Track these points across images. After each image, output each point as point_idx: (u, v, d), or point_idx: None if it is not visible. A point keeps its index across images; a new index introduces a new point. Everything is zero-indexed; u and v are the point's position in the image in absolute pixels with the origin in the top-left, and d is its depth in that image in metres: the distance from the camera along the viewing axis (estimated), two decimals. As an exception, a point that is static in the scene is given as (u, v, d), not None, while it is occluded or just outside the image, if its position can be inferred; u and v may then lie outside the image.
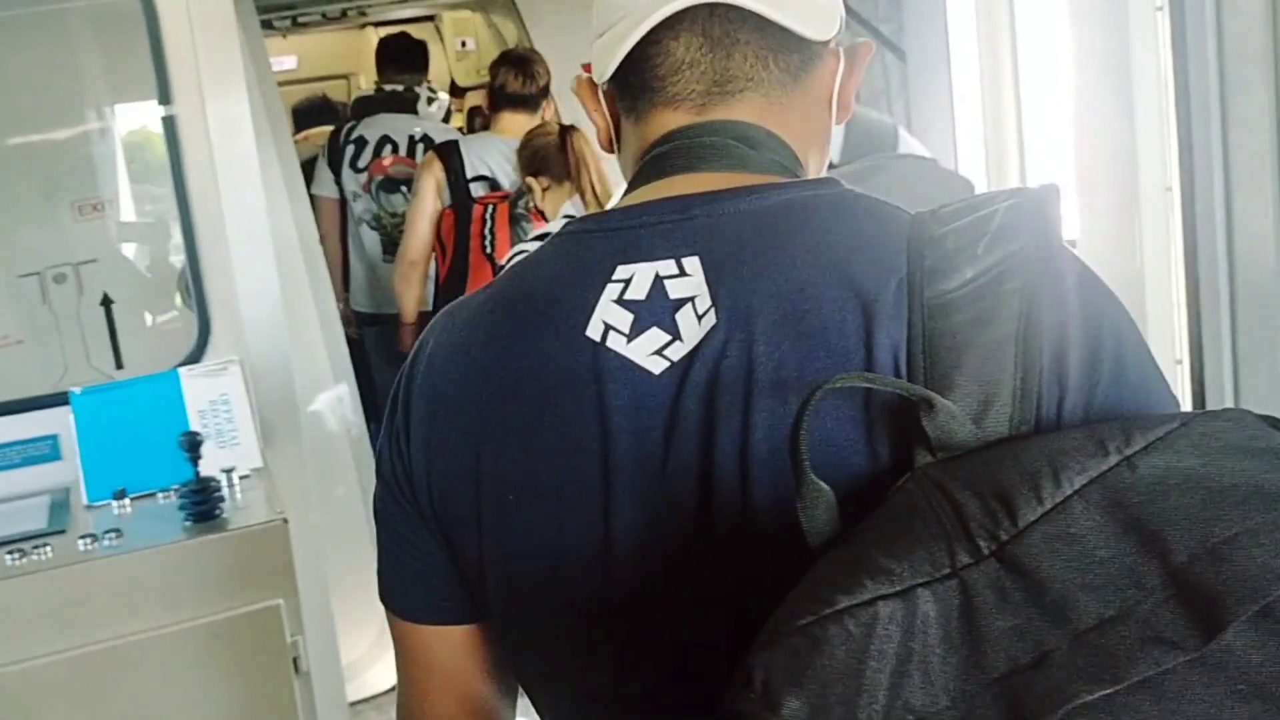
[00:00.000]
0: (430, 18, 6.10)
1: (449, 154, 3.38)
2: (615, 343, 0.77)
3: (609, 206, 1.11)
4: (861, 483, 0.70)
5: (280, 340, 2.23)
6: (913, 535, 0.63)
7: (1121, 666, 0.56)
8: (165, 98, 2.10)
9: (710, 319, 0.75)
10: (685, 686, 0.76)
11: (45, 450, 2.09)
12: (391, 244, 3.68)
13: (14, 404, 2.13)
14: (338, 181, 3.87)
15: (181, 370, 2.14)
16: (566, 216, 2.83)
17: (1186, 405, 1.85)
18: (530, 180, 3.02)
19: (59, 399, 2.08)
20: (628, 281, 0.78)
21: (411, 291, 3.42)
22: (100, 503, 1.98)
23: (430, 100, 4.11)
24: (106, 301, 2.88)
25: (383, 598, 0.91)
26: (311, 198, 3.91)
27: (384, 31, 6.75)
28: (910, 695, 0.58)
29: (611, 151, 0.91)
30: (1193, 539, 0.59)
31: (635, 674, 0.78)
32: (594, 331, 0.77)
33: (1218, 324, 1.69)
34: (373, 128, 3.86)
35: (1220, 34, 1.57)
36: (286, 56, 7.14)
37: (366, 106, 3.98)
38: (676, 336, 0.76)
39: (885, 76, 3.40)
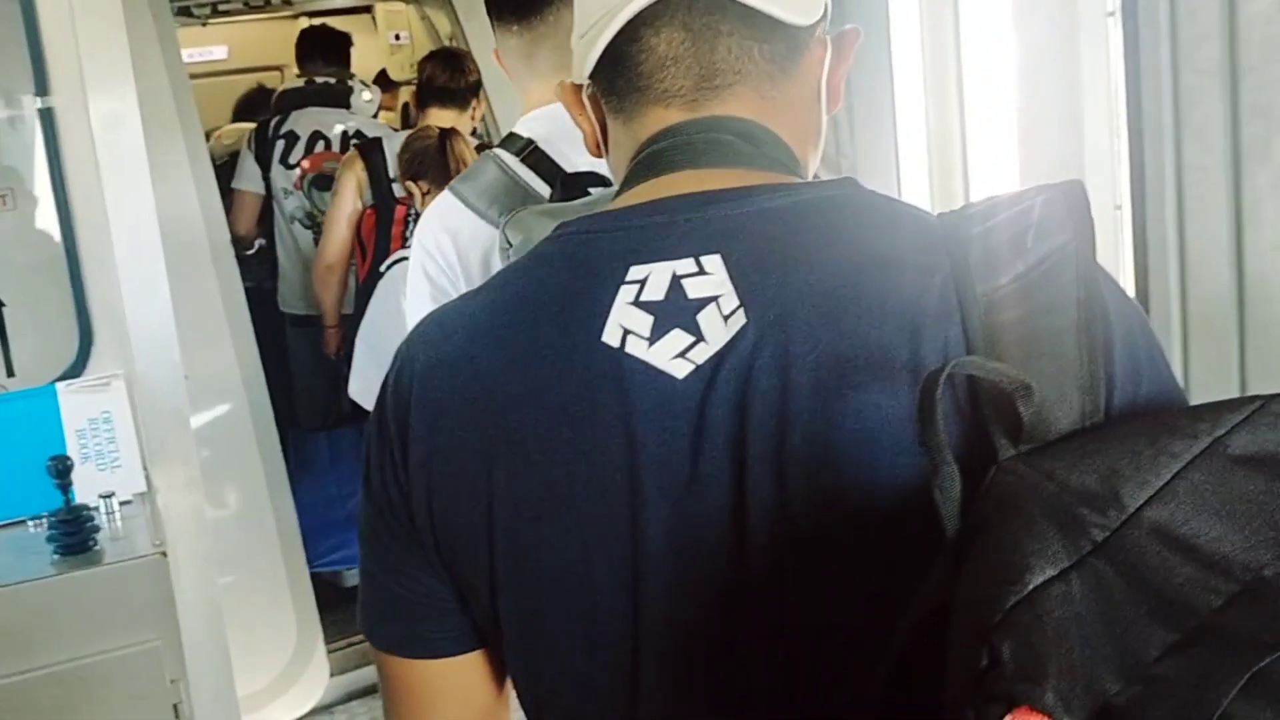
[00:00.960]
0: (366, 9, 5.91)
1: (371, 152, 3.25)
2: (635, 347, 0.74)
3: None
4: (913, 475, 0.68)
5: (170, 352, 2.05)
6: (1037, 524, 0.61)
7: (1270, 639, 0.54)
8: (42, 89, 1.92)
9: (739, 319, 0.73)
10: (726, 691, 0.74)
11: (-98, 475, 1.90)
12: None
13: None
14: (265, 177, 3.70)
15: (60, 385, 1.96)
16: None
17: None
18: (410, 184, 2.91)
19: (-81, 417, 1.90)
20: (643, 282, 0.75)
21: (330, 294, 3.29)
22: (-39, 532, 1.80)
23: (363, 93, 3.95)
24: (-3, 304, 2.69)
25: (365, 630, 0.87)
26: (233, 193, 3.73)
27: (329, 22, 6.56)
28: (1106, 663, 0.56)
29: (600, 155, 0.89)
30: None
31: (669, 689, 0.75)
32: (611, 337, 0.74)
33: (1169, 347, 1.60)
34: (303, 122, 3.70)
35: (1175, 42, 1.47)
36: (217, 46, 6.88)
37: (294, 99, 3.79)
38: (700, 338, 0.73)
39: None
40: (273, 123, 3.67)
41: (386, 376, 0.83)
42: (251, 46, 6.63)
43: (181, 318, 2.99)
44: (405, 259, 2.61)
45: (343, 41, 4.04)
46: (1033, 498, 0.62)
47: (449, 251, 1.60)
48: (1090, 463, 0.63)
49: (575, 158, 1.51)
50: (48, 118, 1.94)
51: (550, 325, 0.77)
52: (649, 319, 0.74)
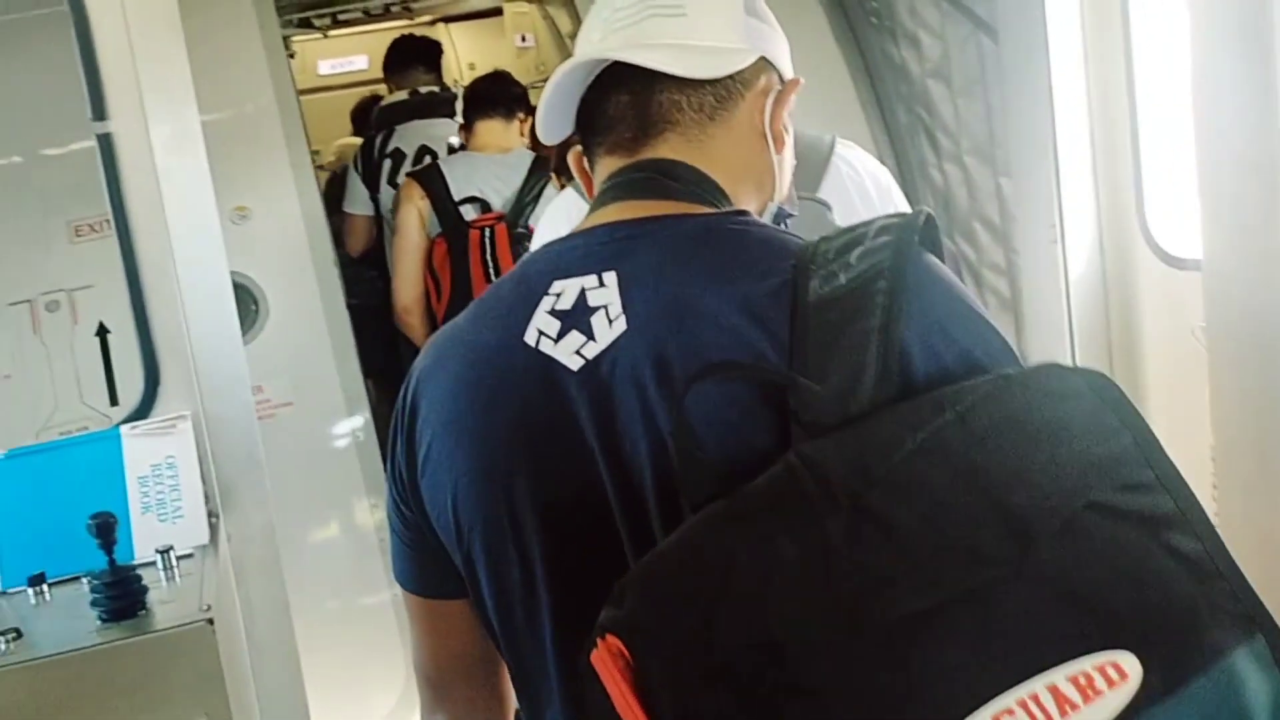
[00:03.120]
0: (497, 11, 5.81)
1: (430, 179, 3.06)
2: (545, 345, 0.94)
3: None
4: (747, 456, 0.84)
5: (241, 391, 1.92)
6: (781, 497, 0.79)
7: (946, 583, 0.72)
8: (100, 112, 1.80)
9: (621, 324, 0.92)
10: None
11: (-34, 522, 1.82)
12: None
13: (-67, 469, 1.87)
14: (374, 198, 3.57)
15: (124, 429, 1.85)
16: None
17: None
18: (554, 175, 2.73)
19: (-15, 462, 1.81)
20: (560, 294, 0.95)
21: (416, 334, 3.11)
22: (16, 589, 1.70)
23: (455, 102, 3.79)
24: (103, 331, 2.62)
25: (395, 573, 1.11)
26: (345, 216, 3.63)
27: (456, 27, 6.52)
28: (768, 622, 0.74)
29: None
30: (1007, 472, 0.76)
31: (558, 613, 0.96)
32: (530, 337, 0.94)
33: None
34: (408, 137, 3.54)
35: None
36: (357, 56, 6.92)
37: (397, 114, 3.65)
38: (591, 338, 0.92)
39: (980, 62, 2.95)
40: (377, 140, 3.53)
41: (407, 375, 1.03)
42: (393, 54, 6.64)
43: (282, 337, 2.92)
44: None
45: (436, 49, 3.90)
46: (785, 480, 0.79)
47: None
48: (853, 444, 0.79)
49: None
50: (106, 143, 1.82)
51: (491, 329, 0.97)
52: (557, 323, 0.94)
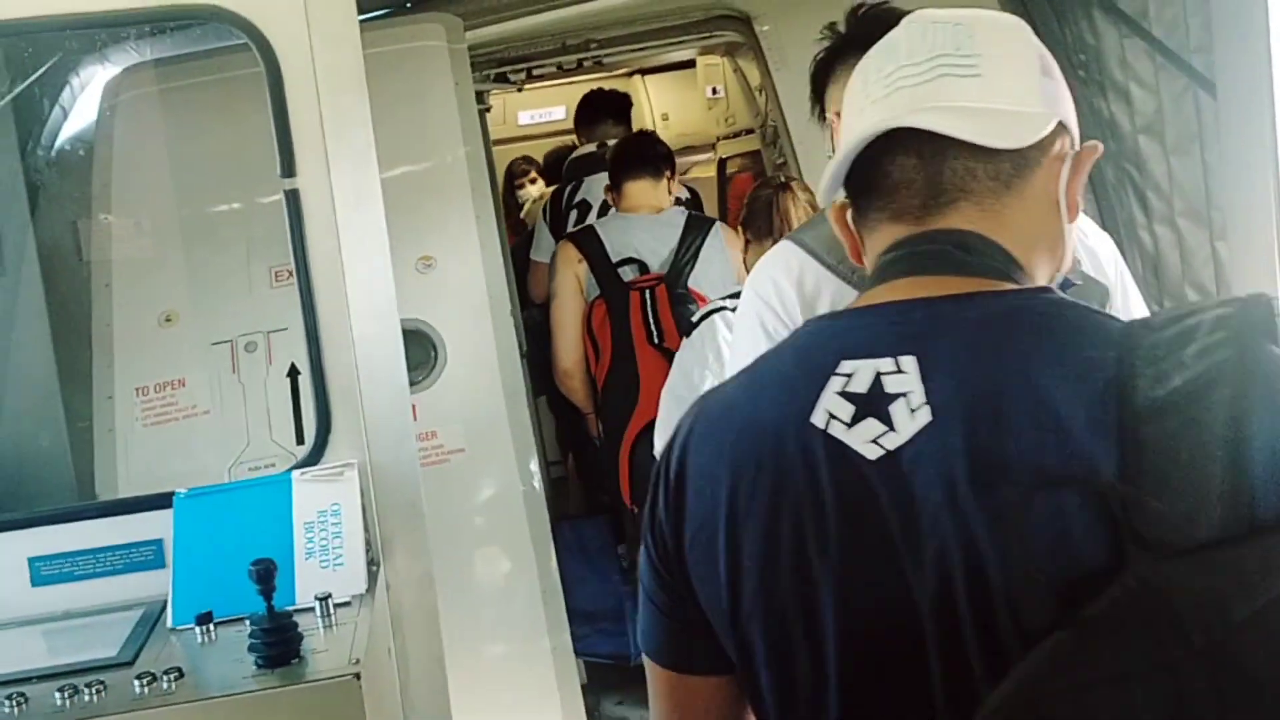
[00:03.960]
0: (690, 64, 5.86)
1: (586, 241, 3.05)
2: (836, 430, 0.88)
3: None
4: (1075, 574, 0.79)
5: (406, 441, 1.95)
6: (1128, 630, 0.73)
7: None
8: (289, 169, 1.88)
9: (925, 415, 0.85)
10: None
11: (149, 556, 1.90)
12: None
13: (123, 504, 1.98)
14: None
15: (295, 474, 1.90)
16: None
17: None
18: (740, 228, 2.70)
19: (166, 500, 1.89)
20: (850, 375, 0.89)
21: (577, 396, 3.14)
22: (185, 626, 1.76)
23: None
24: (293, 372, 2.74)
25: (640, 641, 1.06)
26: (531, 263, 3.71)
27: (650, 79, 6.63)
28: None
29: (860, 264, 1.02)
30: None
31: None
32: (818, 419, 0.89)
33: None
34: (594, 189, 3.60)
35: None
36: (555, 107, 7.14)
37: (585, 166, 3.72)
38: (891, 427, 0.86)
39: (1197, 118, 2.74)
40: (566, 191, 3.60)
41: (670, 439, 1.00)
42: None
43: (458, 384, 2.97)
44: (720, 309, 2.44)
45: (625, 102, 3.93)
46: (1131, 608, 0.72)
47: (792, 303, 1.52)
48: (1207, 576, 0.72)
49: None
50: (293, 199, 1.89)
51: (772, 406, 0.92)
52: (850, 407, 0.88)
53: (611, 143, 3.75)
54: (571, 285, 3.02)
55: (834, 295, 1.49)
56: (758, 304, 1.54)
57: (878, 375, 0.87)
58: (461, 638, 2.86)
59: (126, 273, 2.82)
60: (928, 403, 0.85)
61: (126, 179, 2.88)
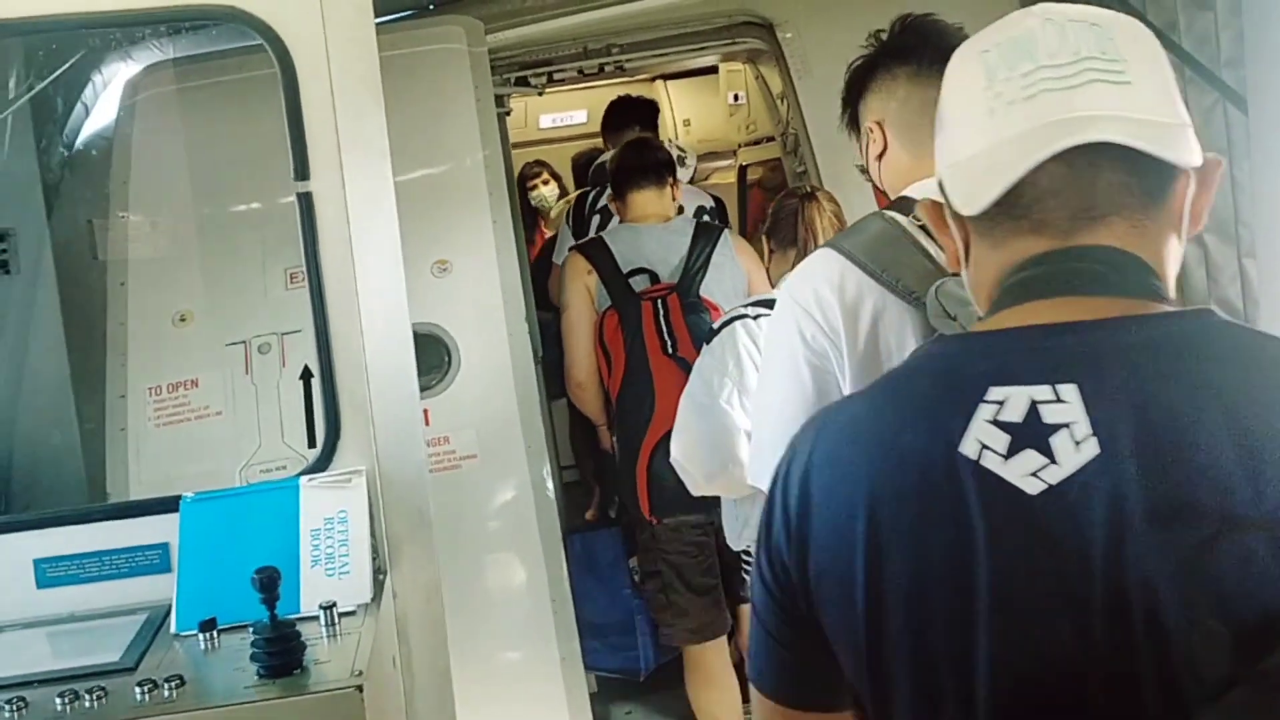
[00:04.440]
0: (713, 70, 5.84)
1: (595, 251, 3.01)
2: (990, 461, 0.82)
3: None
4: (1259, 624, 0.74)
5: (415, 449, 1.92)
6: None
7: None
8: (302, 172, 1.86)
9: (1091, 448, 0.80)
10: None
11: (154, 560, 1.89)
12: None
13: (129, 506, 1.96)
14: None
15: (303, 480, 1.88)
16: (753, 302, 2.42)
17: None
18: (764, 237, 2.67)
19: (173, 504, 1.88)
20: (1002, 403, 0.83)
21: (590, 407, 3.10)
22: (189, 632, 1.74)
23: (681, 160, 3.78)
24: (306, 375, 2.73)
25: (753, 676, 1.01)
26: (554, 267, 3.70)
27: (673, 85, 6.61)
28: None
29: (958, 270, 0.97)
30: None
31: None
32: (969, 449, 0.83)
33: None
34: None
35: None
36: (577, 111, 7.14)
37: (606, 173, 3.70)
38: (1052, 460, 0.80)
39: (1227, 134, 2.69)
40: (590, 197, 3.58)
41: (780, 464, 0.95)
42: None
43: (471, 389, 2.96)
44: (741, 316, 2.41)
45: (653, 109, 3.90)
46: None
47: (832, 309, 1.47)
48: None
49: None
50: (306, 203, 1.87)
51: (913, 432, 0.86)
52: (1005, 437, 0.82)
53: None
54: (582, 296, 2.98)
55: (876, 304, 1.46)
56: (796, 310, 1.50)
57: (1033, 404, 0.82)
58: (470, 645, 2.84)
59: (142, 272, 2.82)
60: (1094, 434, 0.79)
61: (144, 178, 2.87)
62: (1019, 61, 0.88)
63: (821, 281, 1.49)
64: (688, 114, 6.29)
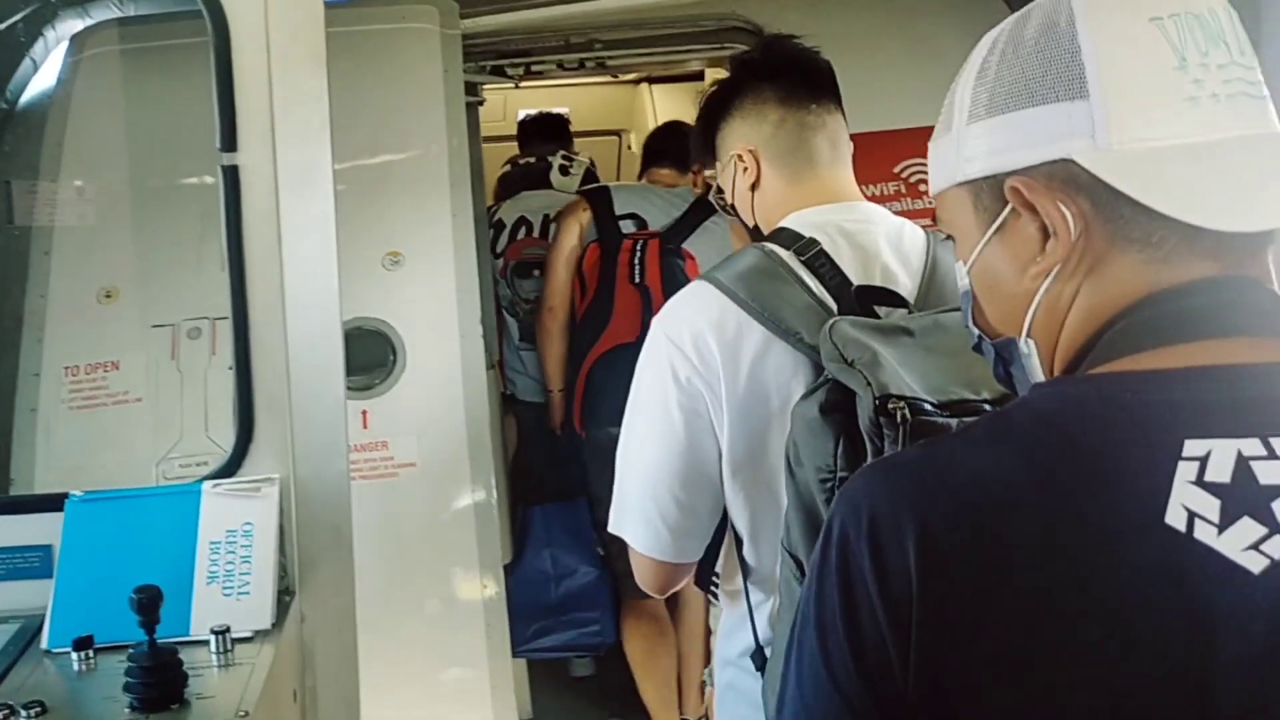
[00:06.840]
0: (700, 75, 5.69)
1: (597, 196, 3.18)
2: (1204, 533, 0.68)
3: None
4: None
5: (337, 459, 1.74)
6: None
7: None
8: (230, 143, 1.68)
9: None
10: None
11: (35, 563, 1.69)
12: (528, 331, 3.39)
13: (11, 502, 1.76)
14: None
15: (206, 485, 1.69)
16: None
17: None
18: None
19: (61, 502, 1.68)
20: (1204, 460, 0.69)
21: (553, 344, 3.16)
22: (61, 649, 1.55)
23: (564, 170, 3.76)
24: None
25: None
26: None
27: (658, 89, 6.46)
28: None
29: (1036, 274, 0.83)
30: None
31: None
32: (1175, 519, 0.68)
33: None
34: (510, 209, 3.60)
35: None
36: (559, 108, 6.97)
37: (508, 185, 3.70)
38: (1275, 530, 0.67)
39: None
40: (490, 211, 3.54)
41: (844, 528, 0.74)
42: (597, 108, 6.63)
43: (415, 393, 2.77)
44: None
45: (557, 120, 4.04)
46: None
47: (709, 350, 1.36)
48: None
49: (848, 268, 1.42)
50: (231, 177, 1.69)
51: (1087, 497, 0.70)
52: (1216, 502, 0.68)
53: (523, 162, 3.83)
54: (574, 231, 3.13)
55: (758, 344, 1.36)
56: (669, 349, 1.39)
57: (1242, 459, 0.68)
58: (398, 665, 2.65)
59: (68, 242, 2.61)
60: None
61: (79, 142, 2.67)
62: (1209, 46, 0.76)
63: (700, 318, 1.38)
64: (670, 118, 6.14)
